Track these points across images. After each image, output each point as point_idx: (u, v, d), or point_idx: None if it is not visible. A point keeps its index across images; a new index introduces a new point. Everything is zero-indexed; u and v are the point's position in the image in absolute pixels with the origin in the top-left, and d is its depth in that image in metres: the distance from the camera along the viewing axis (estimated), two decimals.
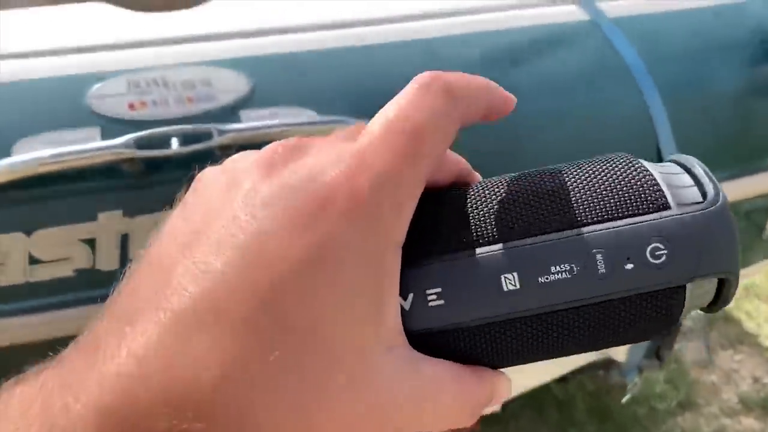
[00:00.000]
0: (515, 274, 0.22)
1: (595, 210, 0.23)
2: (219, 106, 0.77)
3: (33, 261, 0.72)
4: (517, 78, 0.87)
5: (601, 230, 0.23)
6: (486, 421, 1.67)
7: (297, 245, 0.19)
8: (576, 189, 0.24)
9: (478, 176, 0.27)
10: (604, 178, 0.24)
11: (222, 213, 0.21)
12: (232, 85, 0.77)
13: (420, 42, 0.84)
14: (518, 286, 0.22)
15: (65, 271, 0.73)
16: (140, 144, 0.71)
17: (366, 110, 0.77)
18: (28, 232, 0.71)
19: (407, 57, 0.83)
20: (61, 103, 0.75)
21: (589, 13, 0.93)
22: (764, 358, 2.04)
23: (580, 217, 0.23)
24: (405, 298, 0.22)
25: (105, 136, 0.74)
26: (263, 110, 0.77)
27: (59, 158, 0.70)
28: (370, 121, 0.22)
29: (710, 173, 0.24)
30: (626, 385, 1.90)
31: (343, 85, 0.80)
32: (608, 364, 1.18)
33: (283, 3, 0.86)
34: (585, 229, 0.23)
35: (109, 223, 0.73)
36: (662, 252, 0.23)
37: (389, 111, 0.22)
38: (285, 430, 0.19)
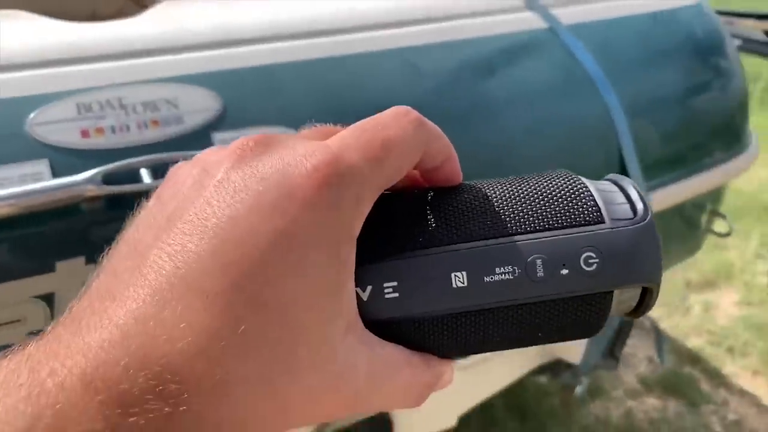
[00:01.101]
0: (464, 272, 0.25)
1: (539, 220, 0.26)
2: (189, 129, 0.66)
3: None
4: (490, 88, 0.84)
5: (542, 238, 0.25)
6: None
7: (266, 229, 0.21)
8: (524, 200, 0.26)
9: (459, 173, 0.28)
10: (550, 192, 0.27)
11: (195, 201, 0.22)
12: (202, 105, 0.67)
13: (396, 51, 0.78)
14: (466, 284, 0.25)
15: (17, 336, 0.60)
16: (108, 179, 0.60)
17: (340, 122, 0.70)
18: None
19: (387, 68, 0.77)
20: None
21: (545, 21, 0.91)
22: (652, 339, 2.18)
23: (525, 225, 0.26)
24: (364, 290, 0.24)
25: (56, 170, 0.61)
26: (238, 131, 0.68)
27: (7, 201, 0.57)
28: (345, 128, 0.25)
29: (641, 192, 0.27)
30: (542, 383, 1.95)
31: (322, 100, 0.73)
32: (556, 367, 1.19)
33: (244, 8, 0.77)
34: (528, 236, 0.25)
35: (69, 274, 0.60)
36: (594, 261, 0.25)
37: (366, 122, 0.25)
38: (254, 395, 0.21)
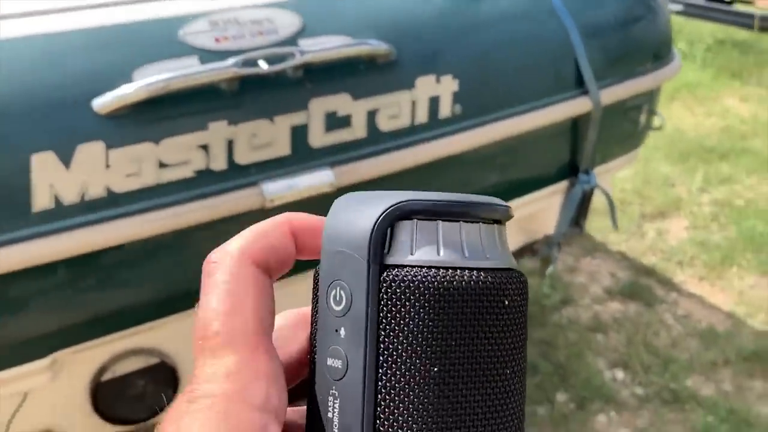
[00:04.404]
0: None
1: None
2: (282, 37, 0.98)
3: (161, 165, 0.89)
4: (479, 14, 1.17)
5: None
6: None
7: None
8: None
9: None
10: None
11: None
12: (289, 21, 0.99)
13: None
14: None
15: (187, 172, 0.91)
16: (239, 65, 0.91)
17: (381, 34, 1.02)
18: (157, 141, 0.88)
19: None
20: (161, 40, 0.92)
21: None
22: (615, 259, 2.54)
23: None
24: None
25: (202, 63, 0.92)
26: (316, 38, 0.99)
27: (179, 79, 0.88)
28: None
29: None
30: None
31: (365, 17, 1.05)
32: (534, 245, 1.52)
33: None
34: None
35: (217, 131, 0.91)
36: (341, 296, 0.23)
37: None
38: None
